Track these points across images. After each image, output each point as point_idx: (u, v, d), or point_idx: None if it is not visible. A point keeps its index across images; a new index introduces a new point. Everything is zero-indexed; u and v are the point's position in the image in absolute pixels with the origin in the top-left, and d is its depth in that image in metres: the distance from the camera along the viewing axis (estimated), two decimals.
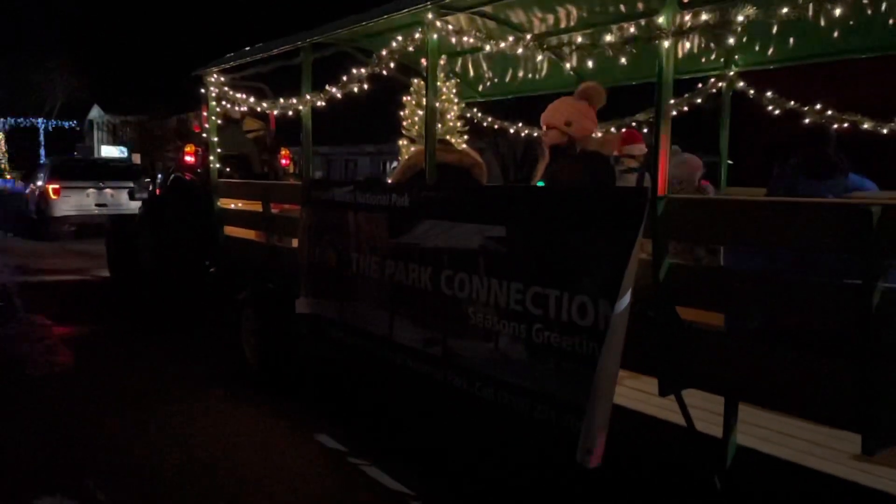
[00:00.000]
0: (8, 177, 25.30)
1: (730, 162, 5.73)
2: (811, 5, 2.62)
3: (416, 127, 7.89)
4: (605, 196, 2.99)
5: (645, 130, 5.71)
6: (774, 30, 4.86)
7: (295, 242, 5.14)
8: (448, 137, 7.43)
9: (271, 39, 5.71)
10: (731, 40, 2.87)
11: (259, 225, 6.20)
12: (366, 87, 4.49)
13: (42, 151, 30.36)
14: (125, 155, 29.78)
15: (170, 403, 5.17)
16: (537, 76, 6.46)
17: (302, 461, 4.21)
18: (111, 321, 7.97)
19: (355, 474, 4.04)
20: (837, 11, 2.33)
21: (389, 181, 5.43)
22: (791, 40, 4.93)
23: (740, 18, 2.51)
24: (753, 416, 2.88)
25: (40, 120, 35.01)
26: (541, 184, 4.31)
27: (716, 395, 2.76)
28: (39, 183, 16.37)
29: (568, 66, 6.11)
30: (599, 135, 4.08)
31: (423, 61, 4.28)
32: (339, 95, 4.64)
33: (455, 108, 7.47)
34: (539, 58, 6.06)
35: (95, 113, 39.70)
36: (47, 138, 34.41)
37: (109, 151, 34.27)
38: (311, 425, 4.75)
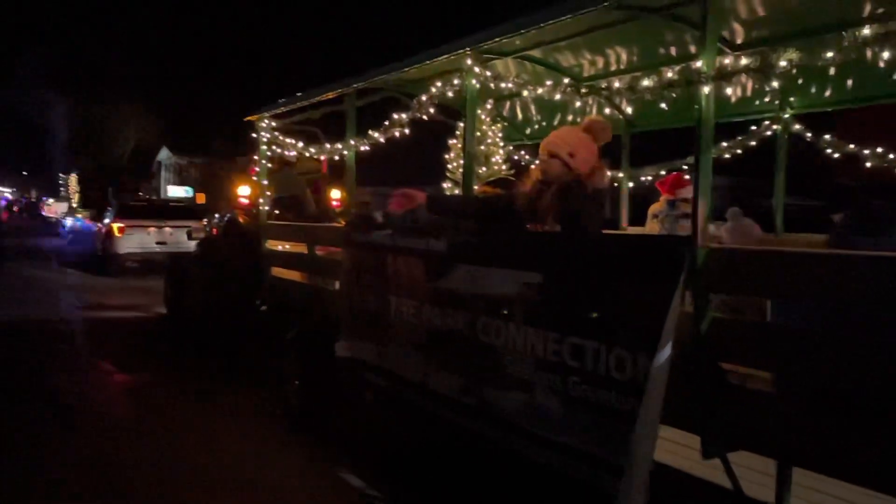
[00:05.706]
0: (80, 216, 26.53)
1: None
2: (864, 49, 2.50)
3: (461, 170, 7.89)
4: (646, 244, 2.88)
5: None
6: (832, 71, 4.69)
7: (337, 285, 5.15)
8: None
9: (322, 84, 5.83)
10: (776, 83, 2.74)
11: (303, 266, 6.25)
12: (407, 131, 4.50)
13: (111, 192, 31.74)
14: (190, 195, 30.94)
15: (212, 441, 5.21)
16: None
17: None
18: (163, 358, 8.13)
19: None
20: (886, 55, 2.20)
21: None
22: (849, 82, 4.75)
23: (783, 63, 2.41)
24: (809, 479, 2.67)
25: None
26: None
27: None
28: (106, 221, 17.16)
29: (616, 109, 6.03)
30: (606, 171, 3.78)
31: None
32: (381, 140, 4.67)
33: (501, 151, 7.44)
34: (585, 101, 6.00)
35: (164, 154, 41.38)
36: (117, 179, 36.00)
37: (176, 191, 35.70)
38: (346, 470, 4.71)
